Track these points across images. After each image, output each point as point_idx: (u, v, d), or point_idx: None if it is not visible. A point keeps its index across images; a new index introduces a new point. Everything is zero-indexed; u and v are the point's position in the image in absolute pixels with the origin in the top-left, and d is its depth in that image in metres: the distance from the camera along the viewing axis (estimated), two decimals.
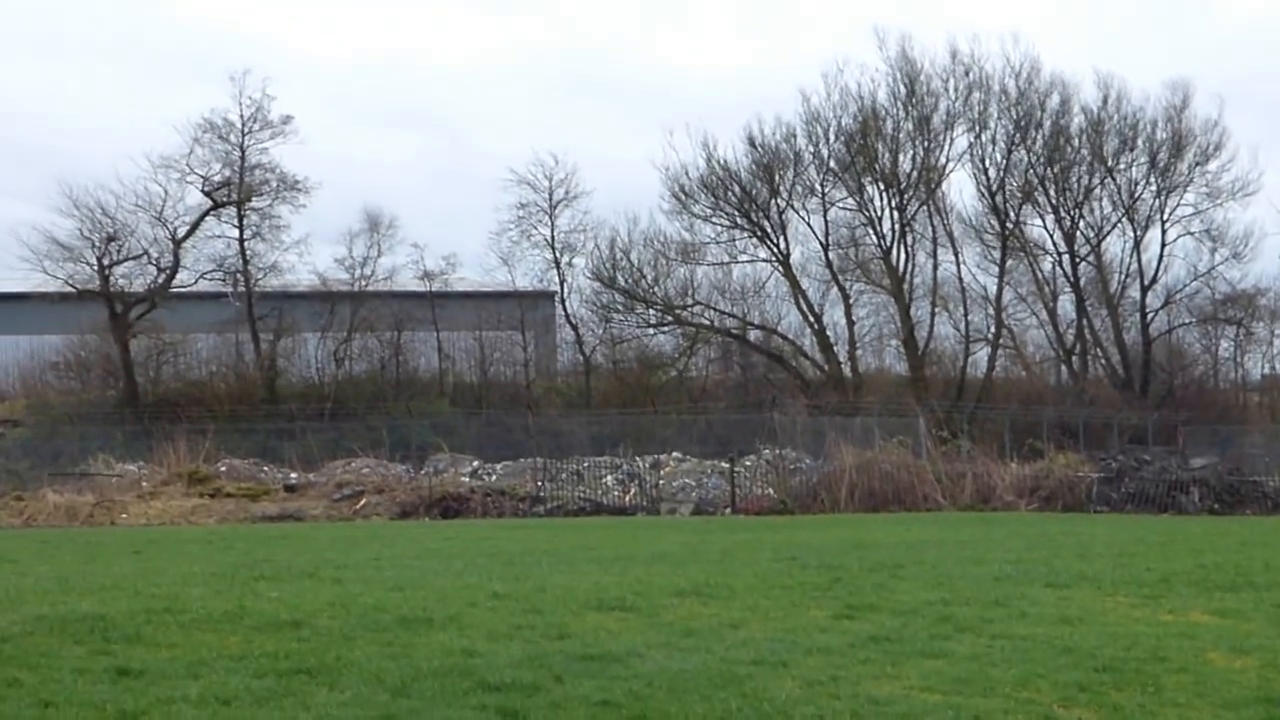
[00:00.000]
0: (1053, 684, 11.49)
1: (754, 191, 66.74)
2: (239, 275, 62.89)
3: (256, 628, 13.70)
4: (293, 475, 49.93)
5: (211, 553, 24.94)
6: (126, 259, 61.68)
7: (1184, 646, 13.33)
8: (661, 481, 49.05)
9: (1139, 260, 67.11)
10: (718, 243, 67.83)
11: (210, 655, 12.33)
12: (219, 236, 63.20)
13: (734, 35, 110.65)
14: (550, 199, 67.70)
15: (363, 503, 46.12)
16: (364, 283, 64.48)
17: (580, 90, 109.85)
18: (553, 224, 67.81)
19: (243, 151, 62.02)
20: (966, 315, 66.94)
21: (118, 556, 24.06)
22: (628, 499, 48.03)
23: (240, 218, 62.44)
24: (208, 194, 62.09)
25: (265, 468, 51.45)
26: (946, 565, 21.12)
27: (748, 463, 50.32)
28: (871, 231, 66.72)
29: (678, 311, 67.04)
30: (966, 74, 65.90)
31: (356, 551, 25.12)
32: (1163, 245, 67.09)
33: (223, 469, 49.82)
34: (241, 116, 61.83)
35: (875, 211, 66.41)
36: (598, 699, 10.75)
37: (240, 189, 61.96)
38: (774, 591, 17.09)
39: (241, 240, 62.67)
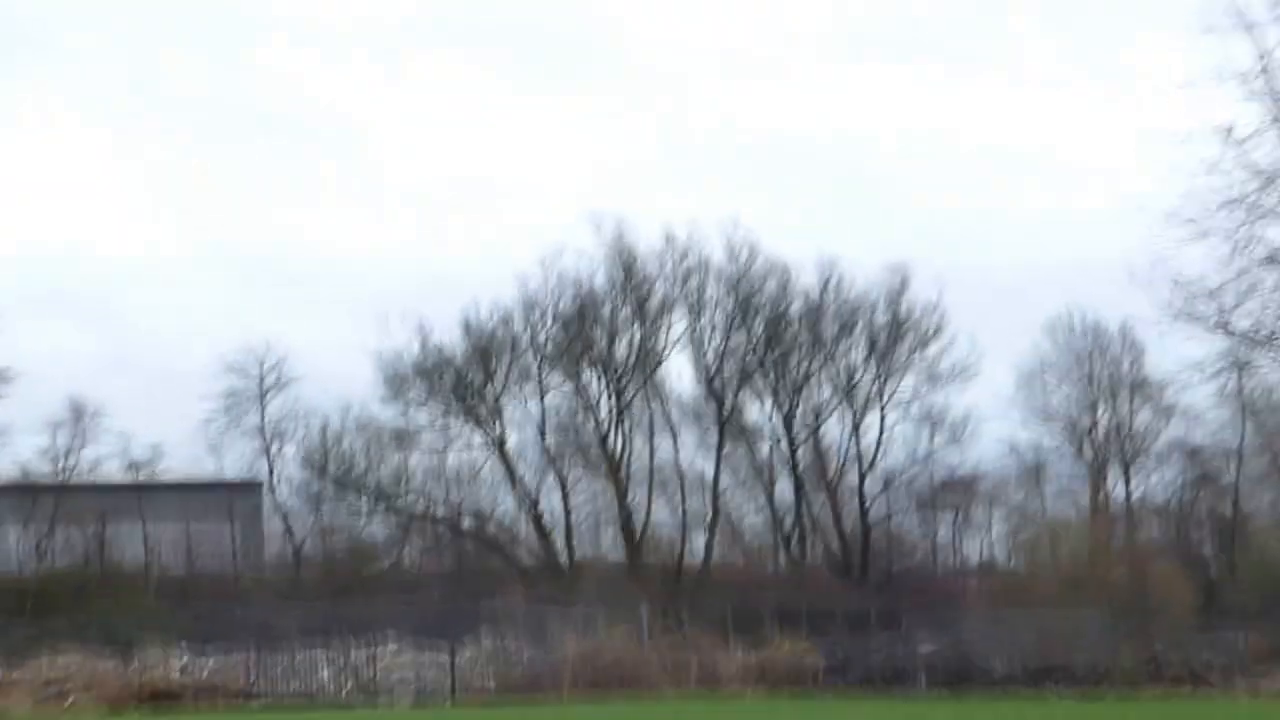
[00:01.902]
0: None
1: (469, 377, 66.76)
2: None
3: None
4: None
5: None
6: None
7: None
8: (379, 673, 48.14)
9: (858, 444, 68.05)
10: (433, 429, 67.54)
11: None
12: None
13: (449, 221, 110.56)
14: (260, 386, 66.50)
15: (71, 700, 44.54)
16: (67, 474, 62.77)
17: (281, 278, 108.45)
18: (263, 412, 66.58)
19: None
20: (684, 500, 67.08)
21: None
22: (344, 692, 47.06)
23: None
24: None
25: None
26: None
27: (468, 652, 49.69)
28: (589, 416, 67.01)
29: (391, 500, 66.35)
30: (684, 259, 67.02)
31: None
32: (881, 430, 68.29)
33: None
34: None
35: (592, 397, 66.91)
36: None
37: None
38: None
39: None
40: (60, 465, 63.13)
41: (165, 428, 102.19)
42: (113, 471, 64.26)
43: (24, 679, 46.93)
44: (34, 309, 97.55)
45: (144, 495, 63.77)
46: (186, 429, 65.91)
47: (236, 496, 65.77)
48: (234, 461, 66.71)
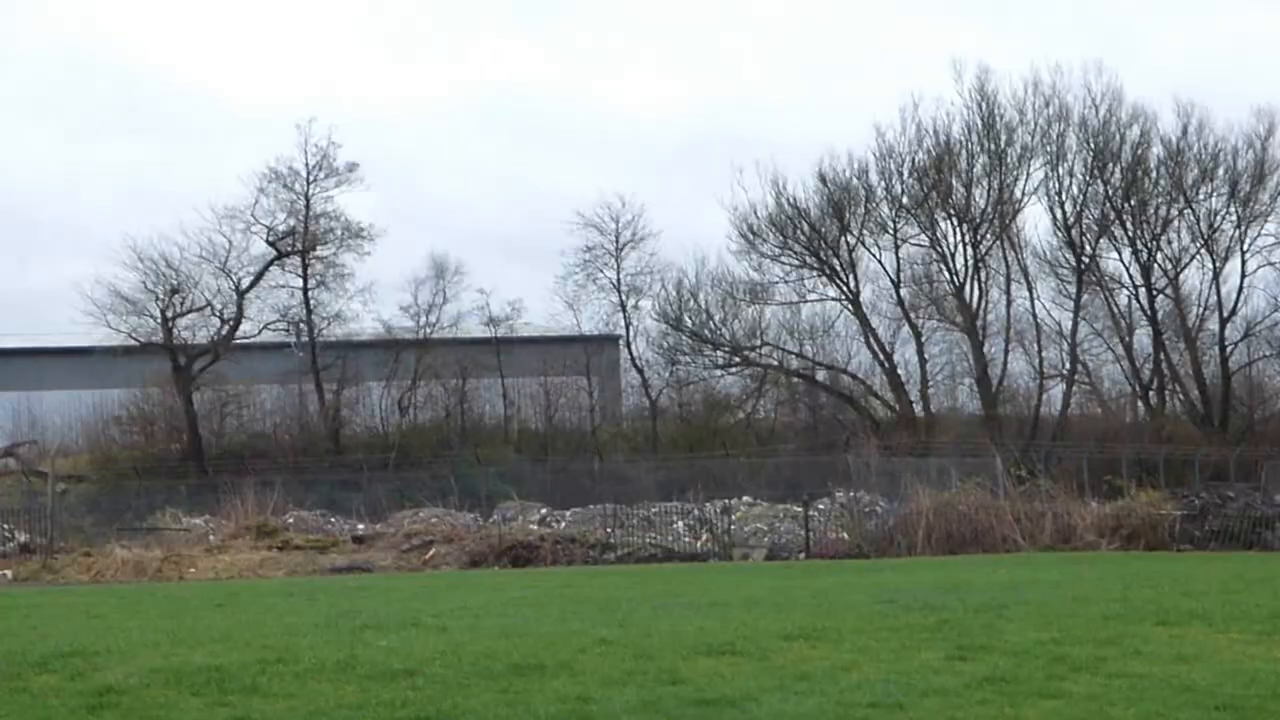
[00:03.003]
0: None
1: (824, 229, 66.05)
2: (302, 325, 62.74)
3: (370, 676, 13.34)
4: (360, 526, 49.52)
5: (295, 605, 24.46)
6: (190, 311, 61.71)
7: None
8: (733, 526, 48.33)
9: (1218, 292, 65.50)
10: (786, 282, 67.35)
11: (328, 705, 12.02)
12: (283, 286, 63.26)
13: (803, 70, 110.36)
14: (617, 241, 67.31)
15: (432, 552, 45.58)
16: (429, 330, 64.24)
17: (636, 134, 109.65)
18: (619, 266, 67.34)
19: (307, 200, 62.15)
20: (1041, 352, 65.82)
21: (203, 610, 23.64)
22: (699, 545, 47.33)
23: (304, 267, 62.42)
24: (272, 244, 62.04)
25: (332, 519, 51.12)
26: (1052, 605, 20.56)
27: (821, 506, 49.59)
28: (944, 268, 66.05)
29: (745, 353, 66.48)
30: (1046, 105, 65.12)
31: (442, 600, 24.62)
32: (1243, 276, 65.43)
33: (290, 521, 49.42)
34: (306, 165, 61.99)
35: (948, 247, 65.72)
36: None
37: (305, 238, 61.88)
38: (881, 633, 16.65)
39: (306, 290, 62.72)
40: (422, 322, 64.66)
41: (524, 284, 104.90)
42: (472, 327, 65.54)
43: (387, 532, 48.26)
44: (399, 166, 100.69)
45: (503, 349, 64.95)
46: (545, 284, 67.08)
47: (594, 350, 66.58)
48: (591, 316, 67.71)
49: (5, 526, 48.29)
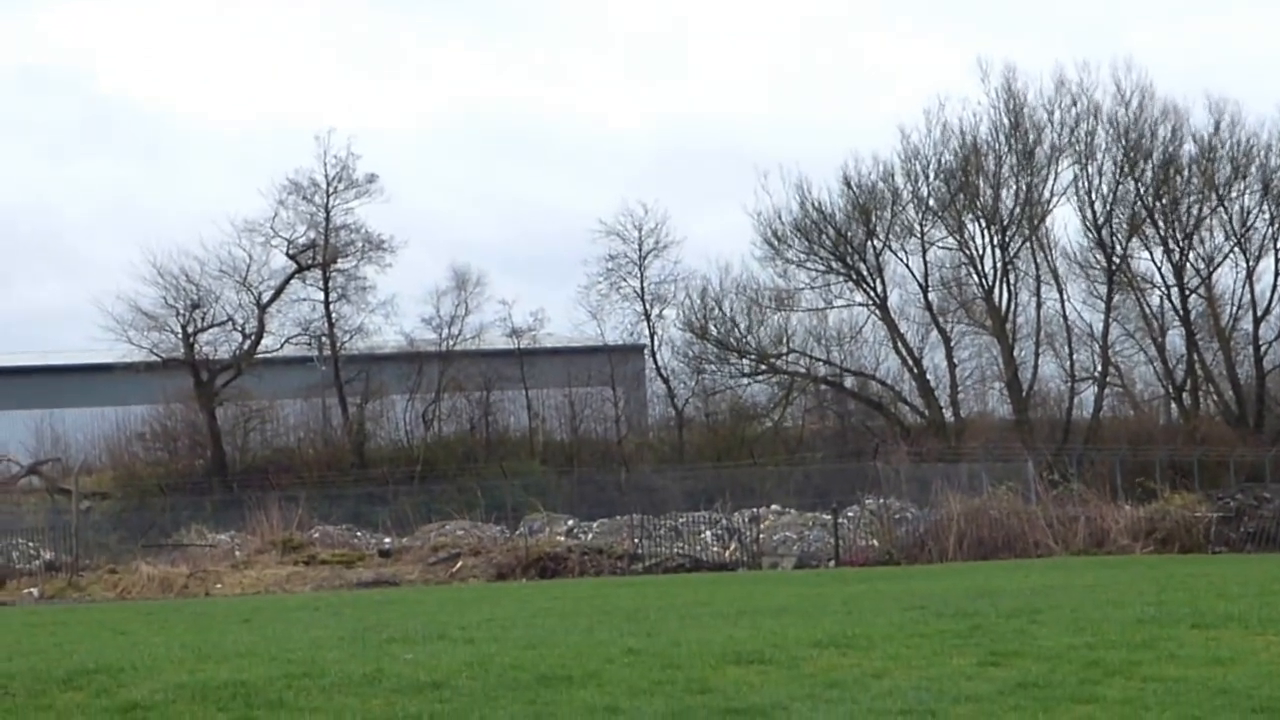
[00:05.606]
0: None
1: (849, 234, 65.39)
2: (325, 339, 62.44)
3: (397, 690, 13.13)
4: (386, 540, 49.22)
5: (322, 619, 24.25)
6: (211, 326, 61.58)
7: None
8: (761, 535, 47.95)
9: (1252, 291, 64.57)
10: (812, 288, 66.70)
11: (355, 719, 11.88)
12: (304, 300, 63.09)
13: (824, 74, 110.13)
14: (640, 250, 67.11)
15: (459, 565, 45.29)
16: (451, 342, 63.93)
17: (669, 141, 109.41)
18: (642, 275, 67.16)
19: (327, 213, 61.89)
20: (1072, 354, 65.23)
21: (229, 625, 23.50)
22: (728, 554, 47.01)
23: (325, 280, 62.17)
24: (292, 257, 61.85)
25: (358, 533, 50.87)
26: (1085, 609, 20.16)
27: (850, 513, 49.18)
28: (972, 271, 65.28)
29: (772, 360, 66.02)
30: (1074, 104, 64.39)
31: (469, 613, 24.33)
32: (1276, 275, 64.25)
33: (315, 536, 49.18)
34: (326, 177, 61.74)
35: (976, 250, 64.89)
36: None
37: (325, 251, 61.61)
38: (913, 640, 16.32)
39: (327, 303, 62.47)
40: (444, 334, 64.37)
41: (540, 297, 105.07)
42: (496, 339, 65.30)
43: (414, 546, 47.97)
44: (421, 171, 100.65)
45: (527, 361, 64.70)
46: (563, 297, 66.73)
47: (619, 361, 66.34)
48: (615, 326, 67.54)
49: (31, 544, 48.11)
